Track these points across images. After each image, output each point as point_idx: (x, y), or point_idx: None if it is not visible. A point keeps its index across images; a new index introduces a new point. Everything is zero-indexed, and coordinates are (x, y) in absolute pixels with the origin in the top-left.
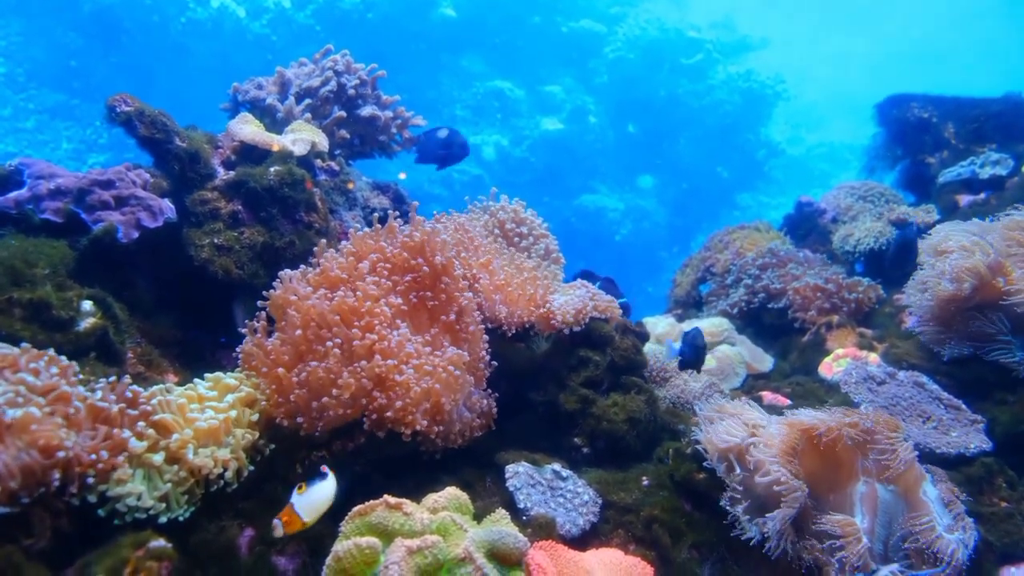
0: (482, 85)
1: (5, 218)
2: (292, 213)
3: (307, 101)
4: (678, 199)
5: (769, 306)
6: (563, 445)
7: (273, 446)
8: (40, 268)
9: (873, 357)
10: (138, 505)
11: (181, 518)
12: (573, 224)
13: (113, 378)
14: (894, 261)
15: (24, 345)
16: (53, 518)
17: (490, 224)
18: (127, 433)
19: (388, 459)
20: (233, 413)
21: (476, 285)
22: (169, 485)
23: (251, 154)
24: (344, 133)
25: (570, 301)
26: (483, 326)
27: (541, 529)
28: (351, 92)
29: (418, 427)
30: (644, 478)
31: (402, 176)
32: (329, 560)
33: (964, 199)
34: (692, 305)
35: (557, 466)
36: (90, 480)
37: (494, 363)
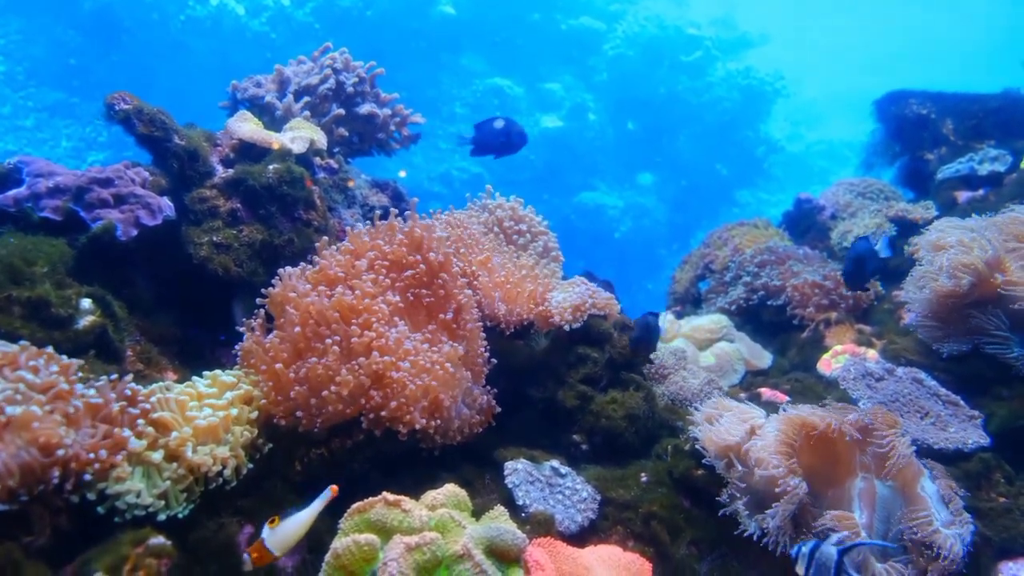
0: (481, 83)
1: (4, 216)
2: (291, 211)
3: (306, 99)
4: (677, 196)
5: (768, 303)
6: (562, 442)
7: (271, 444)
8: (39, 266)
9: (871, 353)
10: (137, 503)
11: (180, 515)
12: (573, 221)
13: (114, 376)
14: (849, 274)
15: (23, 343)
16: (52, 516)
17: (489, 222)
18: (127, 431)
19: (387, 456)
20: (233, 411)
21: (475, 283)
22: (168, 483)
23: (250, 152)
24: (343, 131)
25: (568, 298)
26: (480, 323)
27: (540, 526)
28: (350, 90)
29: (416, 425)
30: (643, 475)
31: (402, 174)
32: (328, 557)
33: (963, 195)
34: (691, 302)
35: (556, 463)
36: (88, 478)
37: (493, 360)
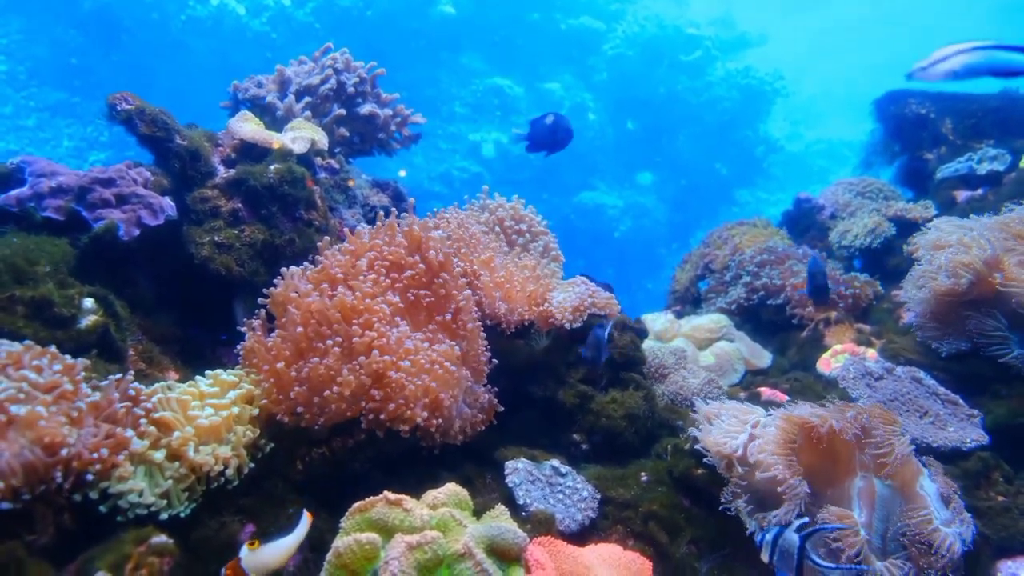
0: (481, 82)
1: (7, 216)
2: (292, 211)
3: (307, 99)
4: (677, 196)
5: (768, 302)
6: (562, 441)
7: (273, 444)
8: (42, 266)
9: (871, 353)
10: (139, 502)
11: (182, 514)
12: (572, 221)
13: (119, 375)
14: (812, 292)
15: (27, 342)
16: (55, 514)
17: (490, 222)
18: (129, 431)
19: (388, 455)
20: (235, 410)
21: (476, 282)
22: (170, 482)
23: (251, 152)
24: (344, 131)
25: (568, 298)
26: (480, 323)
27: (540, 525)
28: (351, 90)
29: (418, 420)
30: (643, 474)
31: (402, 173)
32: (329, 556)
33: (962, 195)
34: (691, 301)
35: (556, 462)
36: (91, 477)
37: (494, 360)
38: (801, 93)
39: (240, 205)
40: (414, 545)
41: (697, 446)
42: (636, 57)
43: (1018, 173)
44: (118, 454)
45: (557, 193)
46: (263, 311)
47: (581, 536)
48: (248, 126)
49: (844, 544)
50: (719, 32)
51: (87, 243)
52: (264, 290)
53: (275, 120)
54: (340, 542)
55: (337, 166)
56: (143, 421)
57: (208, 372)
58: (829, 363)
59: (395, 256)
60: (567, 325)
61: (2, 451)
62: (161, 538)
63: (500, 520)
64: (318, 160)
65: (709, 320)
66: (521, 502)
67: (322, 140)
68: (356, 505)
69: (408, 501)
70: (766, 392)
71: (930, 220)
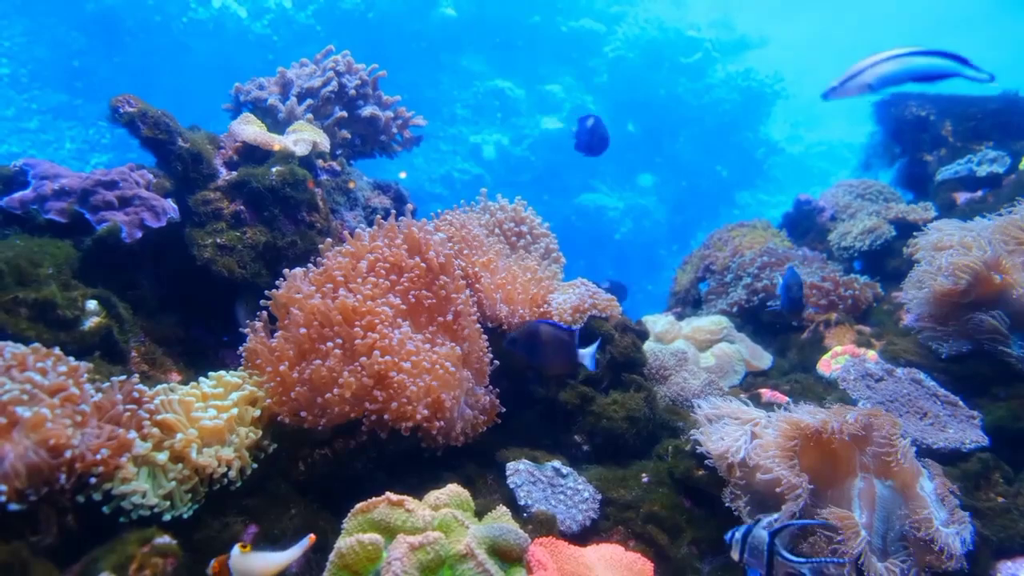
0: (482, 84)
1: (10, 218)
2: (294, 213)
3: (308, 101)
4: (678, 197)
5: (768, 304)
6: (563, 442)
7: (275, 445)
8: (45, 268)
9: (871, 354)
10: (142, 503)
11: (185, 515)
12: (573, 223)
13: (122, 377)
14: (784, 303)
15: (35, 345)
16: (59, 515)
17: (490, 223)
18: (132, 433)
19: (390, 456)
20: (234, 411)
21: (477, 284)
22: (173, 483)
23: (253, 154)
24: (345, 133)
25: (569, 299)
26: (479, 325)
27: (542, 525)
28: (352, 92)
29: (418, 417)
30: (644, 475)
31: (402, 175)
32: (332, 556)
33: (961, 196)
34: (692, 303)
35: (557, 463)
36: (93, 480)
37: (496, 361)
38: (801, 95)
39: (242, 207)
40: (416, 546)
41: (699, 448)
42: (637, 59)
43: (1018, 175)
44: (121, 456)
45: (558, 195)
46: (265, 313)
47: (582, 537)
48: (250, 128)
49: (846, 545)
50: (719, 34)
51: (90, 245)
52: (266, 292)
53: (277, 122)
54: (343, 543)
55: (339, 168)
56: (147, 423)
57: (211, 373)
58: (829, 365)
59: (396, 258)
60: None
61: (7, 453)
62: (164, 539)
63: (502, 521)
64: (320, 162)
65: (710, 322)
66: (522, 503)
67: (324, 142)
68: (358, 506)
69: (410, 502)
70: (766, 393)
71: (930, 222)
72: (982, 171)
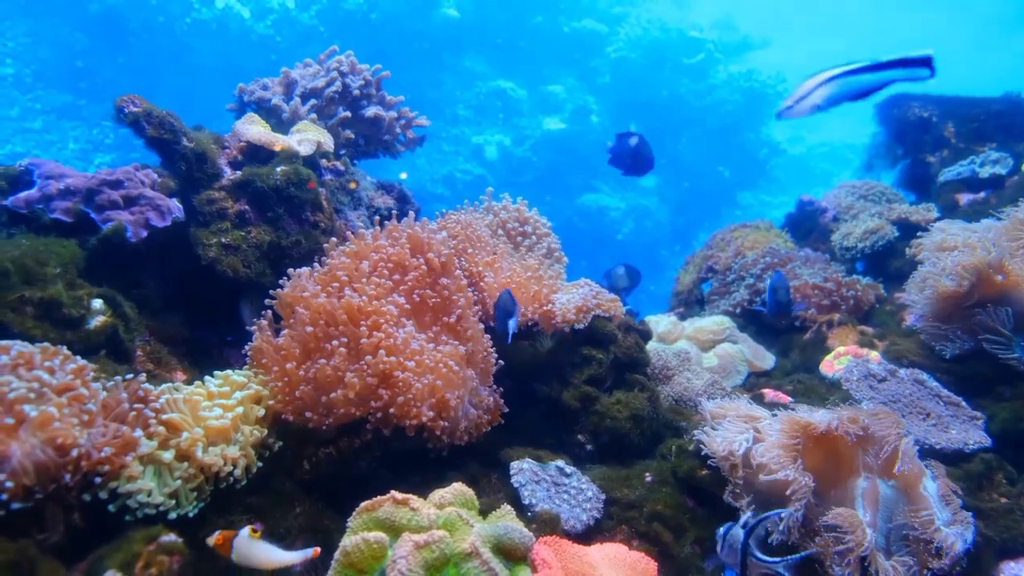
0: (484, 85)
1: (16, 217)
2: (298, 213)
3: (312, 101)
4: (680, 198)
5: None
6: (567, 442)
7: (281, 443)
8: (51, 267)
9: (874, 355)
10: (148, 501)
11: (191, 514)
12: (575, 223)
13: (128, 376)
14: (771, 307)
15: (43, 344)
16: (66, 513)
17: (494, 223)
18: (138, 431)
19: (395, 455)
20: (239, 410)
21: (481, 283)
22: (179, 482)
23: (257, 154)
24: (349, 133)
25: (573, 299)
26: (481, 324)
27: (546, 525)
28: (356, 92)
29: (423, 419)
30: (647, 475)
31: (403, 176)
32: (337, 555)
33: (964, 198)
34: (694, 303)
35: (561, 463)
36: (98, 480)
37: (500, 361)
38: None
39: (247, 207)
40: (421, 544)
41: (702, 448)
42: (639, 60)
43: (1020, 176)
44: (127, 454)
45: (560, 195)
46: (269, 312)
47: (586, 536)
48: (254, 128)
49: (853, 543)
50: (722, 35)
51: (95, 244)
52: (271, 291)
53: (281, 122)
54: (348, 541)
55: (342, 168)
56: (152, 421)
57: (217, 372)
58: (832, 365)
59: (399, 257)
60: (568, 328)
61: (14, 451)
62: (170, 537)
63: (506, 520)
64: (323, 162)
65: (712, 322)
66: (526, 502)
67: (328, 142)
68: (363, 504)
69: (415, 500)
70: (769, 394)
71: (932, 223)
72: (985, 172)
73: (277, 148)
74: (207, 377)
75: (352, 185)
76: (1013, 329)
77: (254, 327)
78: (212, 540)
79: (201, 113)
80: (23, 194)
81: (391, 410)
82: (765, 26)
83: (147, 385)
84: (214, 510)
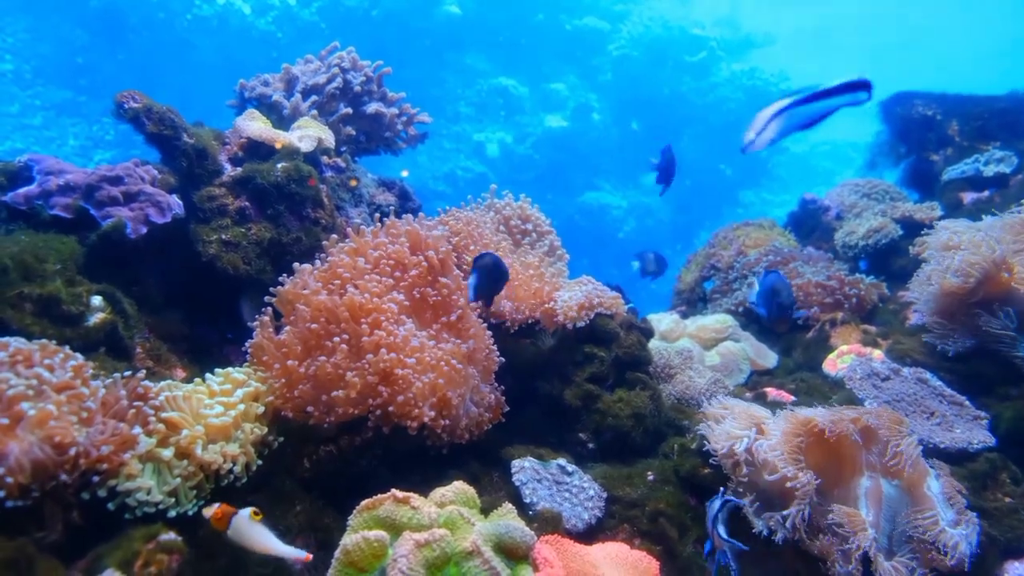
0: (486, 82)
1: (15, 213)
2: (299, 209)
3: (313, 98)
4: (681, 196)
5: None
6: (568, 440)
7: (281, 440)
8: (50, 263)
9: (877, 353)
10: (147, 500)
11: (190, 512)
12: (577, 221)
13: (128, 373)
14: (770, 312)
15: (43, 341)
16: (64, 511)
17: (495, 221)
18: (137, 429)
19: (395, 453)
20: (241, 407)
21: None
22: (178, 480)
23: (258, 150)
24: (350, 130)
25: (575, 297)
26: (483, 322)
27: (547, 523)
28: (357, 89)
29: (425, 419)
30: (649, 473)
31: (404, 173)
32: (338, 553)
33: (968, 196)
34: (696, 302)
35: (563, 461)
36: (97, 478)
37: (502, 359)
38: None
39: (247, 203)
40: (422, 543)
41: (705, 446)
42: (641, 58)
43: None
44: (126, 452)
45: (561, 193)
46: (269, 309)
47: (588, 535)
48: (255, 124)
49: (855, 543)
50: (724, 33)
51: (95, 241)
52: (271, 288)
53: (282, 119)
54: (348, 540)
55: (343, 165)
56: (152, 419)
57: (218, 370)
58: (835, 364)
59: (399, 255)
60: (570, 325)
61: (12, 449)
62: (170, 535)
63: (508, 518)
64: (324, 159)
65: (715, 320)
66: (528, 500)
67: (329, 139)
68: (364, 503)
69: (416, 499)
70: (772, 392)
71: (936, 221)
72: (989, 171)
73: (278, 144)
74: (208, 375)
75: (353, 182)
76: (1018, 328)
77: (254, 324)
78: (210, 512)
79: (202, 109)
80: (22, 190)
81: (391, 408)
82: (768, 24)
83: (146, 382)
84: None
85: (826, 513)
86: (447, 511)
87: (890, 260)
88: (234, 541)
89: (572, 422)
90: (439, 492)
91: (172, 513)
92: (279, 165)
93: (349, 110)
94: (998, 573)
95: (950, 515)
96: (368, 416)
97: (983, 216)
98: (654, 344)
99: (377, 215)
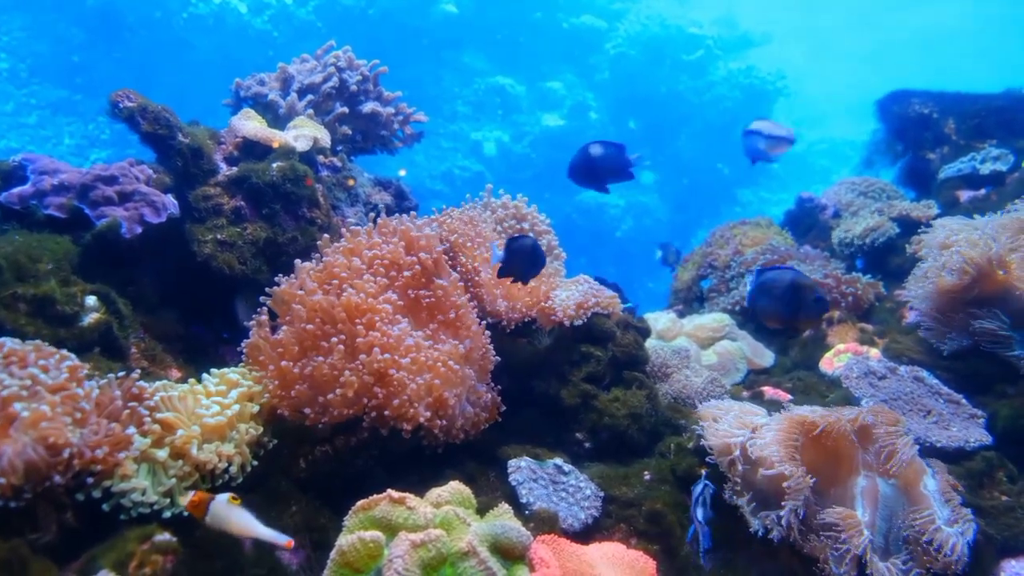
0: (483, 81)
1: (9, 213)
2: (295, 209)
3: (309, 97)
4: (679, 195)
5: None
6: (565, 440)
7: (277, 441)
8: (44, 263)
9: (874, 352)
10: (142, 500)
11: (185, 513)
12: (574, 220)
13: (122, 373)
14: (786, 307)
15: (37, 342)
16: (59, 512)
17: (492, 220)
18: (131, 429)
19: (391, 454)
20: (236, 408)
21: (477, 278)
22: (173, 480)
23: (254, 150)
24: (346, 129)
25: (572, 296)
26: (480, 321)
27: (544, 523)
28: (353, 88)
29: (420, 419)
30: (646, 473)
31: (402, 173)
32: (333, 554)
33: (964, 195)
34: (693, 301)
35: (559, 461)
36: (91, 479)
37: (498, 358)
38: (804, 93)
39: (243, 203)
40: (418, 543)
41: (703, 443)
42: (638, 56)
43: (1021, 173)
44: (120, 453)
45: (559, 192)
46: (265, 309)
47: (584, 535)
48: (251, 124)
49: (849, 544)
50: (721, 31)
51: (90, 241)
52: (267, 288)
53: (277, 118)
54: (344, 540)
55: (339, 164)
56: (147, 419)
57: (214, 370)
58: (832, 362)
59: (393, 255)
60: (567, 324)
61: (5, 450)
62: (164, 536)
63: (504, 518)
64: (320, 158)
65: (711, 319)
66: (524, 500)
67: (324, 138)
68: (360, 503)
69: (412, 499)
70: (769, 391)
71: (933, 220)
72: (985, 169)
73: (274, 144)
74: (204, 375)
75: (350, 182)
76: (1013, 326)
77: (250, 324)
78: (186, 500)
79: (197, 109)
80: (16, 190)
81: (386, 411)
82: (765, 22)
83: (141, 383)
84: None
85: (822, 513)
86: (443, 511)
87: (887, 259)
88: (214, 527)
89: (569, 421)
90: (435, 492)
91: (167, 514)
92: (275, 165)
93: (345, 109)
94: (995, 571)
95: (946, 513)
96: (364, 416)
97: (980, 214)
98: (651, 343)
99: (372, 215)
